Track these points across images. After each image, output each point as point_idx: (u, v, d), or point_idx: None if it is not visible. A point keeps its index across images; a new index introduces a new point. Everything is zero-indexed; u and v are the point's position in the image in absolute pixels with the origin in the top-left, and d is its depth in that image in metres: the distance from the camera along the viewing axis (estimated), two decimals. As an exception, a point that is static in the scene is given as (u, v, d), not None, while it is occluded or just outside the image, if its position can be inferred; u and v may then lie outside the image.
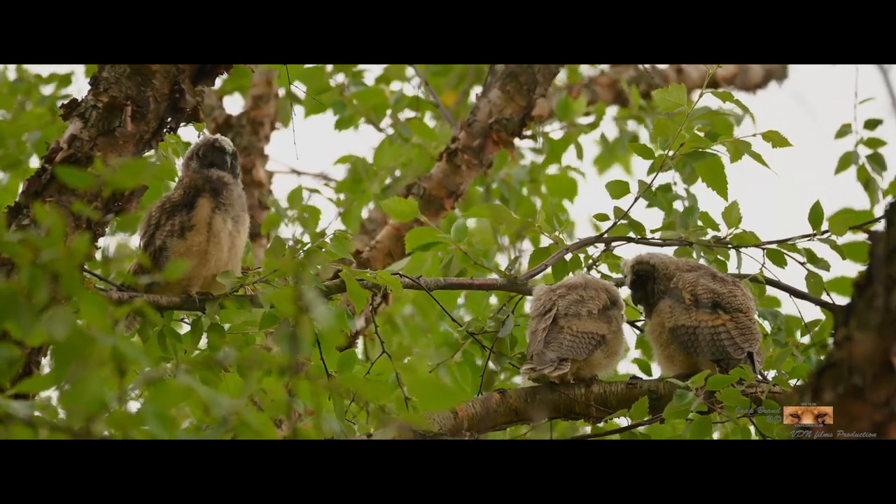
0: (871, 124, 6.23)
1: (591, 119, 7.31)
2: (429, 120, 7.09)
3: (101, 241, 4.36)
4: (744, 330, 4.51)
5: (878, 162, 6.21)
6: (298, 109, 7.06)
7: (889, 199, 5.84)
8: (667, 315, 4.57)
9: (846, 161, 6.23)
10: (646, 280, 4.67)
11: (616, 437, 4.55)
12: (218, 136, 4.75)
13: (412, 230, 5.14)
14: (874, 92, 7.24)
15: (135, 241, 4.74)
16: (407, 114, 6.98)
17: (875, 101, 6.91)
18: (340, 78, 6.93)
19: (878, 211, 5.87)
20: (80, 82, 7.20)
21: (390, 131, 6.93)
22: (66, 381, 2.88)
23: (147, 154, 4.33)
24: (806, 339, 4.96)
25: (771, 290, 4.99)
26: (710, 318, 4.52)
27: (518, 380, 4.69)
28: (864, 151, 6.20)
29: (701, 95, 4.93)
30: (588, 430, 4.71)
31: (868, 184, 6.18)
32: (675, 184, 5.16)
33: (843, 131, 6.24)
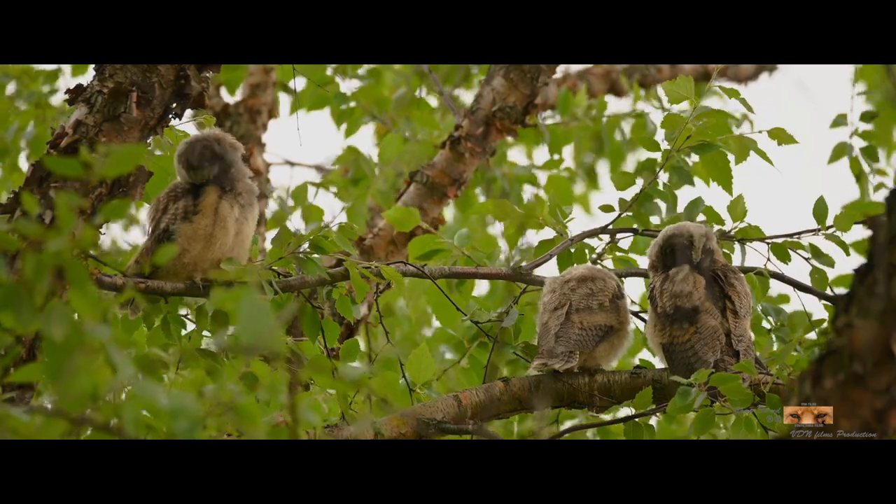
0: (868, 116, 6.24)
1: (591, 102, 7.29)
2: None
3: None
4: (707, 339, 4.46)
5: (871, 155, 6.22)
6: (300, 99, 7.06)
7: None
8: (651, 327, 4.55)
9: (840, 151, 6.24)
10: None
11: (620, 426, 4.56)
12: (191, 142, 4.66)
13: (415, 238, 5.15)
14: (873, 84, 7.24)
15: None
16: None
17: (876, 94, 6.91)
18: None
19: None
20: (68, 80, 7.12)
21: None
22: (60, 373, 2.86)
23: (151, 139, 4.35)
24: (812, 335, 4.94)
25: (779, 287, 4.98)
26: (680, 334, 4.49)
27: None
28: (859, 143, 6.23)
29: (708, 88, 4.92)
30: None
31: (860, 176, 6.19)
32: (660, 185, 5.14)
33: (839, 122, 6.25)
